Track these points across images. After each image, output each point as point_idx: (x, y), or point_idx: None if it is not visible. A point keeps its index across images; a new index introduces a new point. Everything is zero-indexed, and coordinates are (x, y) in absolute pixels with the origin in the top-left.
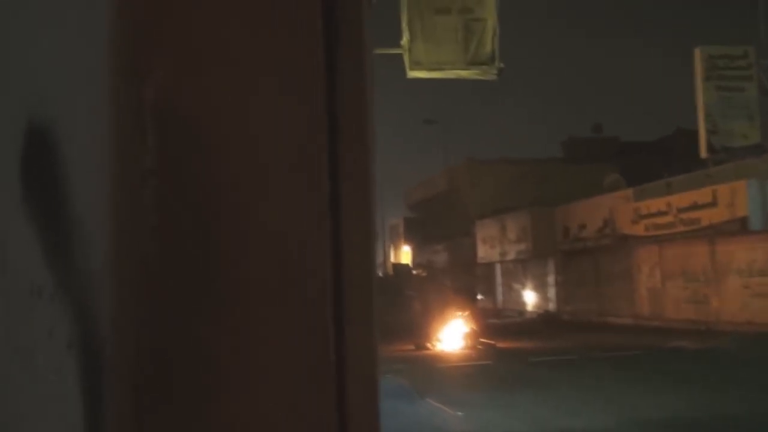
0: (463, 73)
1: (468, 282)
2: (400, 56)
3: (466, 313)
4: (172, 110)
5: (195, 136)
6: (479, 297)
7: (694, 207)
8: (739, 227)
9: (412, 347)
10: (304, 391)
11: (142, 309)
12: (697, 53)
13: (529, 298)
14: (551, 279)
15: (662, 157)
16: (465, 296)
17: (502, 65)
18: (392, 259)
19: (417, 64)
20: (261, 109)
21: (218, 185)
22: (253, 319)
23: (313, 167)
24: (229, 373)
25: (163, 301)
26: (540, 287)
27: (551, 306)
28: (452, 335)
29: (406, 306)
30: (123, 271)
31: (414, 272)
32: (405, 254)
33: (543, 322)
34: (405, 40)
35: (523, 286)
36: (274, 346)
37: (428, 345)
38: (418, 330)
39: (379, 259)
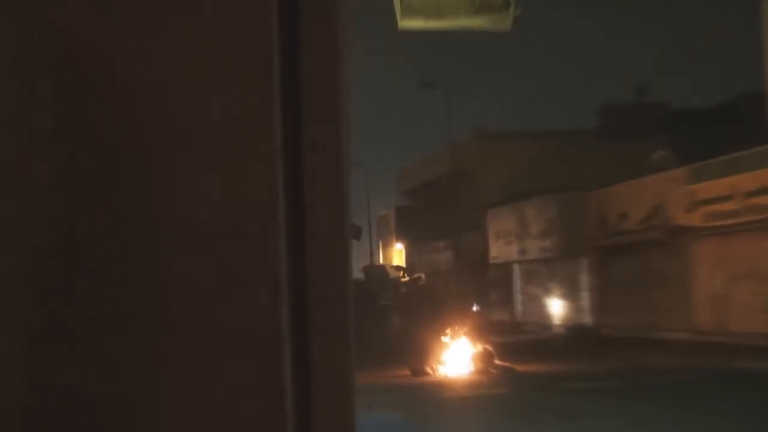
0: (470, 23)
1: (479, 286)
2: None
3: (464, 327)
4: (73, 53)
5: (105, 88)
6: (475, 308)
7: (765, 190)
8: None
9: (407, 372)
10: (251, 421)
11: (29, 323)
12: (766, 5)
13: (557, 307)
14: (585, 283)
15: (724, 128)
16: (458, 306)
17: (518, 12)
18: (381, 260)
19: (411, 11)
20: (195, 56)
21: (137, 155)
22: (181, 331)
23: (266, 135)
24: (153, 402)
25: (59, 310)
26: (571, 294)
27: (585, 318)
28: (458, 357)
29: (382, 320)
30: (1, 270)
31: (397, 275)
32: (398, 253)
33: (575, 339)
34: None
35: (549, 293)
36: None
37: (428, 369)
38: (412, 350)
39: (366, 260)
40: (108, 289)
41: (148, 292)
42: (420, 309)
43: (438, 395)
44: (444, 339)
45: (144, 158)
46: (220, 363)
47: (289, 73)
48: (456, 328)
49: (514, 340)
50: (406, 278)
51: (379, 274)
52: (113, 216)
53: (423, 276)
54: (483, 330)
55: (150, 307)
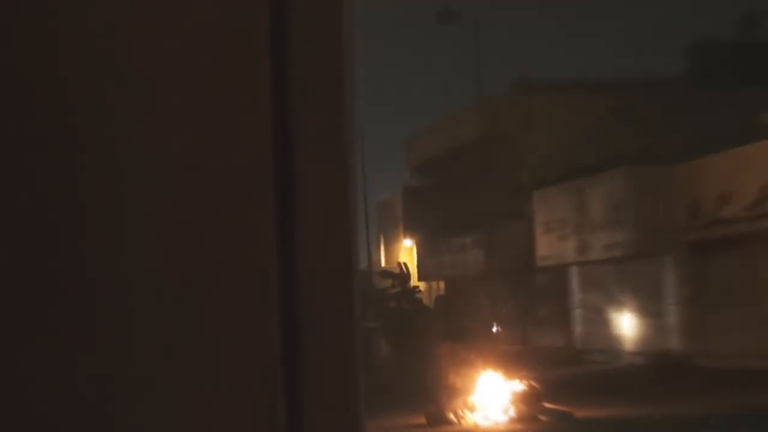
0: None
1: (520, 299)
2: None
3: (483, 357)
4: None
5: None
6: (495, 329)
7: None
8: None
9: (420, 421)
10: None
11: None
12: None
13: (631, 328)
14: (670, 293)
15: None
16: (467, 327)
17: None
18: (382, 261)
19: None
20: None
21: (82, 118)
22: (143, 344)
23: (247, 91)
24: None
25: None
26: (650, 308)
27: (671, 342)
28: (493, 398)
29: (364, 347)
30: None
31: (387, 284)
32: (406, 252)
33: (657, 371)
34: None
35: (620, 307)
36: (183, 395)
37: (450, 416)
38: (423, 390)
39: (362, 263)
40: (43, 294)
41: (101, 294)
42: (414, 332)
43: None
44: (463, 373)
45: (106, 127)
46: (194, 388)
47: (280, 24)
48: (477, 358)
49: (572, 373)
50: (396, 289)
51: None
52: (54, 197)
53: (420, 287)
54: (503, 360)
55: (105, 313)
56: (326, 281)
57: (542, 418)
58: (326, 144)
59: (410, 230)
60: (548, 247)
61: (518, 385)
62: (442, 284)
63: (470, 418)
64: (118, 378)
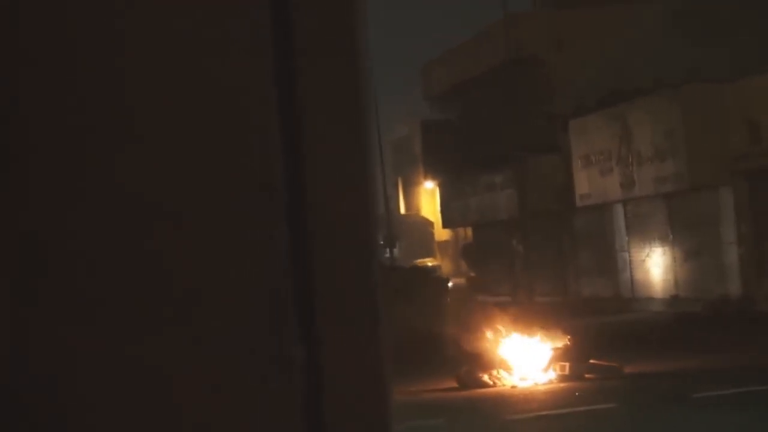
0: None
1: (558, 243)
2: None
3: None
4: None
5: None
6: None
7: None
8: None
9: (453, 384)
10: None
11: None
12: None
13: (685, 271)
14: (729, 230)
15: None
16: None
17: None
18: (402, 207)
19: None
20: None
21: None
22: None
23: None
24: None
25: None
26: (707, 248)
27: (731, 286)
28: (531, 357)
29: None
30: None
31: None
32: (428, 196)
33: (715, 320)
34: None
35: (673, 248)
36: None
37: (484, 378)
38: (458, 352)
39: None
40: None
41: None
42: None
43: (506, 417)
44: (497, 330)
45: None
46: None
47: None
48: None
49: (619, 324)
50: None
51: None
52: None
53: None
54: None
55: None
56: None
57: (588, 376)
58: (335, 105)
59: (431, 170)
60: (589, 184)
61: (560, 341)
62: (469, 231)
63: (507, 380)
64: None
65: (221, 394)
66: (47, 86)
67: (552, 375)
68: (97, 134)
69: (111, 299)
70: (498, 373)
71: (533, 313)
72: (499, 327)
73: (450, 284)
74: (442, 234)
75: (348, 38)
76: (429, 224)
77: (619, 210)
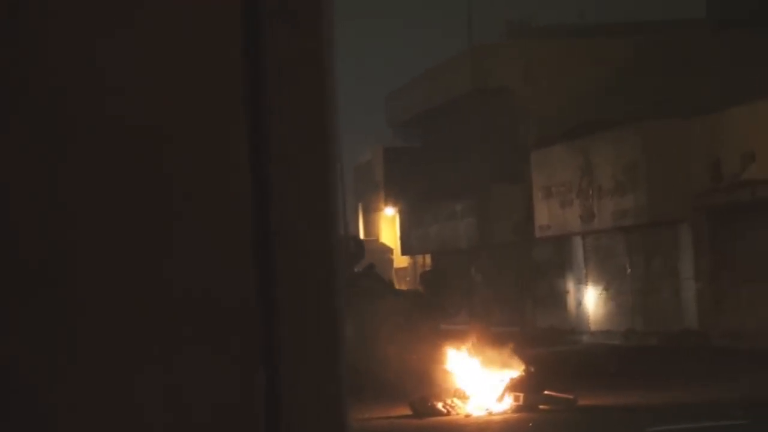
0: None
1: (517, 273)
2: None
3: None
4: None
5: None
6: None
7: None
8: None
9: (407, 412)
10: None
11: None
12: None
13: (644, 305)
14: (688, 266)
15: None
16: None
17: None
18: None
19: None
20: None
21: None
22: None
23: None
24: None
25: None
26: (665, 283)
27: (689, 320)
28: (485, 385)
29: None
30: None
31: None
32: (388, 223)
33: (673, 353)
34: None
35: (631, 282)
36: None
37: (440, 407)
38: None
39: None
40: None
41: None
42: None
43: None
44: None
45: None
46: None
47: None
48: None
49: (576, 356)
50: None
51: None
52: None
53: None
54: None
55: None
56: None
57: (542, 407)
58: (299, 117)
59: (392, 197)
60: (549, 215)
61: (515, 371)
62: (428, 259)
63: (461, 408)
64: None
65: (187, 418)
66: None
67: (506, 405)
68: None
69: (73, 313)
70: (452, 401)
71: (489, 343)
72: (455, 355)
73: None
74: (400, 261)
75: (318, 69)
76: (388, 251)
77: (578, 242)
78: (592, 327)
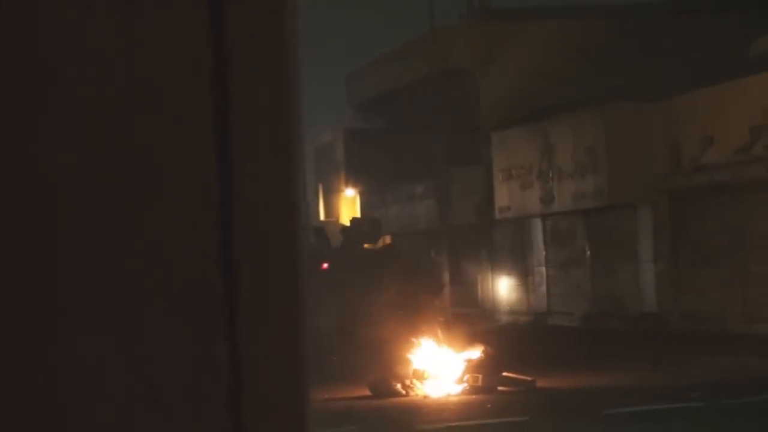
0: None
1: (477, 255)
2: None
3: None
4: None
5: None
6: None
7: None
8: None
9: (365, 393)
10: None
11: None
12: None
13: (602, 287)
14: (647, 248)
15: None
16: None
17: None
18: (321, 213)
19: None
20: None
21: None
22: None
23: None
24: None
25: None
26: (624, 266)
27: (648, 302)
28: (445, 367)
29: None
30: None
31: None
32: (348, 204)
33: (630, 335)
34: None
35: (590, 264)
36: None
37: (398, 388)
38: (375, 359)
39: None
40: None
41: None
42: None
43: (417, 427)
44: (415, 339)
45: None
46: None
47: None
48: (427, 323)
49: (536, 338)
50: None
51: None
52: None
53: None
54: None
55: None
56: (269, 239)
57: (501, 388)
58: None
59: (352, 178)
60: (509, 198)
61: (474, 353)
62: (388, 240)
63: (419, 390)
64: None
65: (150, 389)
66: None
67: (465, 386)
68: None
69: (37, 295)
70: (411, 382)
71: (449, 324)
72: (414, 336)
73: None
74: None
75: (280, 48)
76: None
77: (537, 224)
78: (552, 309)
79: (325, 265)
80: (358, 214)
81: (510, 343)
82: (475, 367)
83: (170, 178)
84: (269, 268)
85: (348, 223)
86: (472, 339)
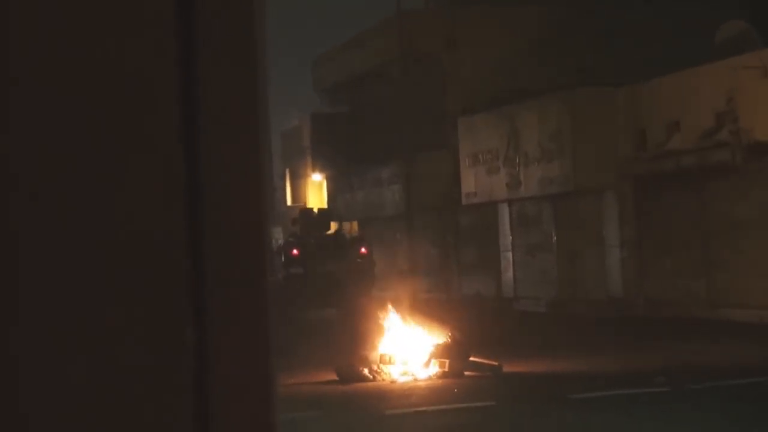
0: None
1: (442, 241)
2: None
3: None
4: None
5: None
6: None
7: None
8: None
9: (331, 377)
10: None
11: None
12: None
13: (568, 273)
14: (612, 233)
15: None
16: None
17: None
18: (288, 199)
19: None
20: None
21: None
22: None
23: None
24: None
25: None
26: (590, 251)
27: (613, 287)
28: (411, 352)
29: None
30: None
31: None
32: (315, 189)
33: (594, 321)
34: None
35: (556, 250)
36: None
37: (364, 372)
38: (344, 344)
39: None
40: None
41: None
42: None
43: (385, 412)
44: (378, 324)
45: None
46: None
47: None
48: (393, 307)
49: (501, 323)
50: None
51: (319, 223)
52: None
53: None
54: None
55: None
56: (234, 224)
57: (468, 373)
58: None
59: (319, 163)
60: (475, 182)
61: (441, 338)
62: (355, 225)
63: (386, 374)
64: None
65: (114, 372)
66: None
67: (432, 371)
68: None
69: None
70: (378, 367)
71: (415, 309)
72: (381, 321)
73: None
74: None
75: (246, 38)
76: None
77: (504, 210)
78: (518, 294)
79: (295, 251)
80: (324, 199)
81: (476, 327)
82: (442, 352)
83: (136, 165)
84: (235, 254)
85: (300, 212)
86: (438, 323)
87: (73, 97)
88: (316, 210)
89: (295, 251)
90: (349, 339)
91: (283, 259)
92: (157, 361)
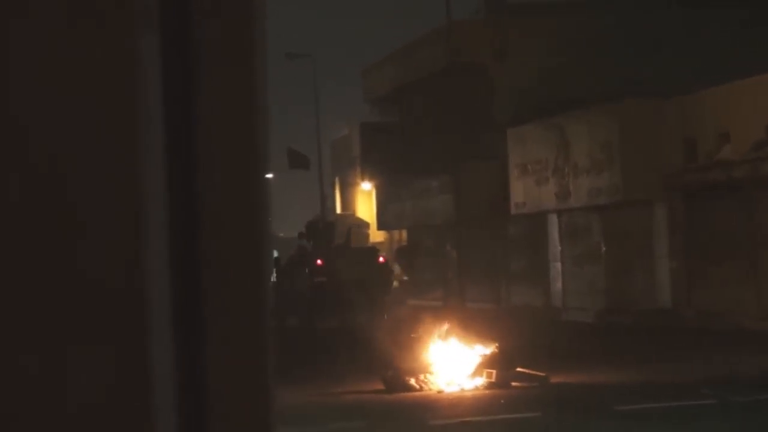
0: None
1: (491, 250)
2: None
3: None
4: None
5: None
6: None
7: None
8: None
9: (379, 387)
10: None
11: None
12: None
13: (617, 283)
14: (662, 244)
15: None
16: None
17: None
18: (338, 207)
19: None
20: None
21: None
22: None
23: None
24: None
25: None
26: (639, 261)
27: (662, 298)
28: (459, 363)
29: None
30: None
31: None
32: (364, 197)
33: (644, 332)
34: None
35: (605, 260)
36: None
37: (411, 382)
38: (385, 352)
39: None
40: None
41: None
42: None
43: (430, 422)
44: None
45: None
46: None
47: None
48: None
49: (549, 334)
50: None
51: (325, 235)
52: None
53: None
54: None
55: None
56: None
57: (514, 384)
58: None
59: (369, 172)
60: (524, 193)
61: (488, 348)
62: (404, 234)
63: (433, 384)
64: None
65: (108, 384)
66: None
67: (478, 381)
68: None
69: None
70: (425, 377)
71: (463, 319)
72: (429, 331)
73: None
74: (376, 236)
75: (247, 47)
76: (365, 225)
77: (553, 220)
78: (566, 304)
79: (320, 262)
80: (373, 208)
81: (524, 338)
82: (489, 363)
83: (114, 177)
84: (232, 267)
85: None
86: (486, 334)
87: (48, 107)
88: (321, 224)
89: (319, 261)
90: (390, 349)
91: (307, 270)
92: (153, 370)
